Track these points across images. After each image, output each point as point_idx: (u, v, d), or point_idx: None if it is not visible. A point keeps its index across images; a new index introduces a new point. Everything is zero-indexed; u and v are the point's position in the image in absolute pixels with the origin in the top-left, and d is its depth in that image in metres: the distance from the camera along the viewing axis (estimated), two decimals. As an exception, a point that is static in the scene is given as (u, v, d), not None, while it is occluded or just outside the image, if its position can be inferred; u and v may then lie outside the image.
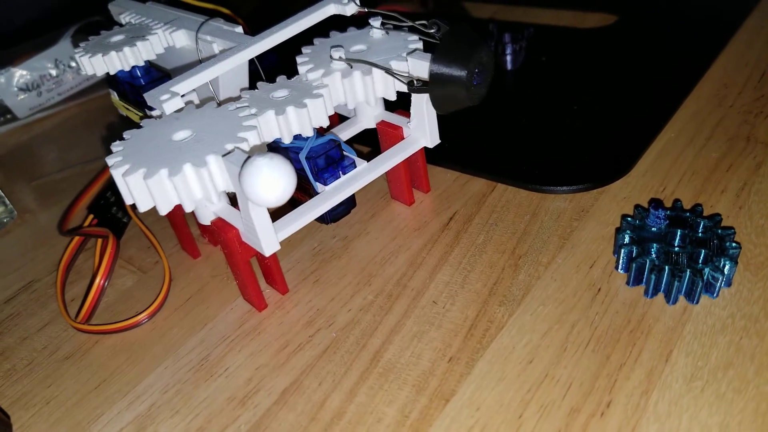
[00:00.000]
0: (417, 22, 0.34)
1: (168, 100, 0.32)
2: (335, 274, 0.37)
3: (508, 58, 0.51)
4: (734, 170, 0.38)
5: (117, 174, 0.30)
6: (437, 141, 0.39)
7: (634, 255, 0.32)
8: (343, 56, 0.36)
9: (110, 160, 0.31)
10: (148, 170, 0.30)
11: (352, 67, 0.36)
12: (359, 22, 0.39)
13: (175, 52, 0.41)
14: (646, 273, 0.31)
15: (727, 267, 0.30)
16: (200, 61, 0.38)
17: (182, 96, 0.33)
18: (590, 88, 0.48)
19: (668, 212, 0.33)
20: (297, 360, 0.32)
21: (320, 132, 0.37)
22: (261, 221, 0.31)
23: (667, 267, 0.30)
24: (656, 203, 0.33)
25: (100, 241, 0.40)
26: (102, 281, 0.37)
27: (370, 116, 0.40)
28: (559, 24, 0.58)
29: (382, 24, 0.37)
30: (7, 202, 0.45)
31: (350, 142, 0.41)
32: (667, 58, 0.50)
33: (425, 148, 0.39)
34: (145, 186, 0.30)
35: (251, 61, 0.38)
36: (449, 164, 0.43)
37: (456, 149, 0.44)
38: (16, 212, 0.46)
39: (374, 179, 0.37)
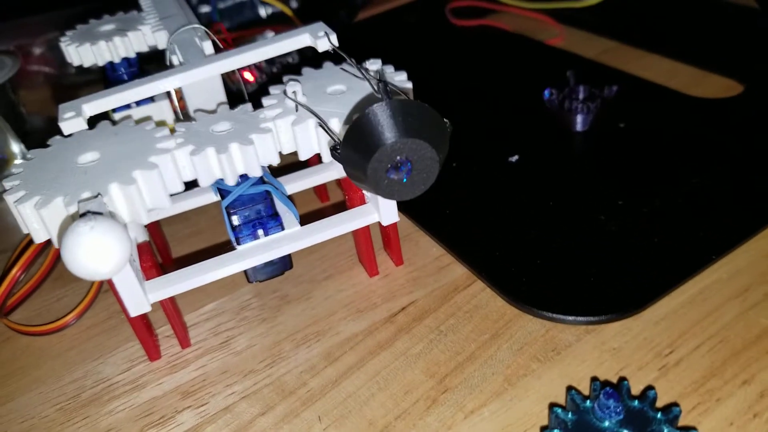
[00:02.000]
0: (372, 78, 0.27)
1: (68, 119, 0.28)
2: (246, 341, 0.32)
3: (578, 117, 0.42)
4: (782, 353, 0.28)
5: (10, 201, 0.27)
6: (393, 219, 0.32)
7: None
8: (297, 94, 0.30)
9: (6, 184, 0.28)
10: (42, 198, 0.27)
11: (297, 110, 0.30)
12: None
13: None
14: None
15: None
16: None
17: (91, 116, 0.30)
18: (653, 178, 0.37)
19: (628, 404, 0.24)
20: (144, 439, 0.28)
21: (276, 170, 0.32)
22: (121, 278, 0.27)
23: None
24: (611, 391, 0.24)
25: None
26: (18, 272, 0.35)
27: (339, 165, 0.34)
28: (669, 83, 0.46)
29: (342, 69, 0.30)
30: None
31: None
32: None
33: (408, 205, 0.33)
34: (38, 216, 0.27)
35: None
36: (438, 237, 0.36)
37: (454, 221, 0.37)
38: None
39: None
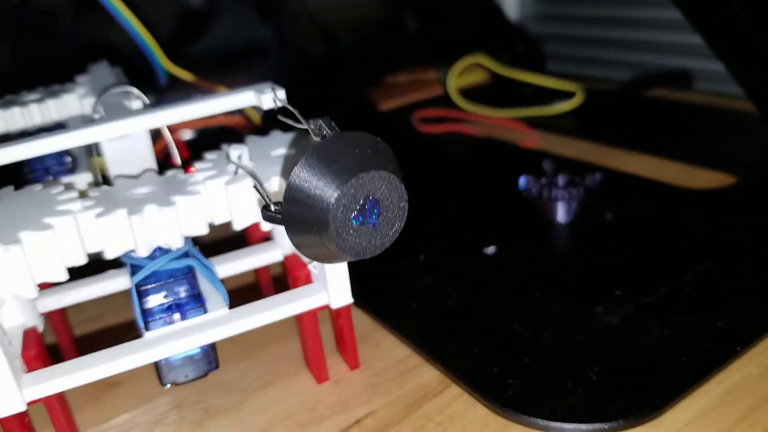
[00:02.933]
0: (311, 125, 0.21)
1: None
2: (153, 465, 0.25)
3: (559, 206, 0.37)
4: None
5: None
6: (347, 300, 0.26)
7: None
8: (243, 158, 0.25)
9: None
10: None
11: (236, 173, 0.24)
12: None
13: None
14: None
15: None
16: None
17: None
18: (653, 267, 0.32)
19: None
20: None
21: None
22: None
23: None
24: None
25: None
26: None
27: (288, 242, 0.28)
28: (656, 177, 0.43)
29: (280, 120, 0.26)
30: None
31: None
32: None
33: (366, 299, 0.27)
34: None
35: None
36: (403, 334, 0.30)
37: (421, 317, 0.30)
38: None
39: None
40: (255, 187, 0.23)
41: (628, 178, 0.43)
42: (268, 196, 0.22)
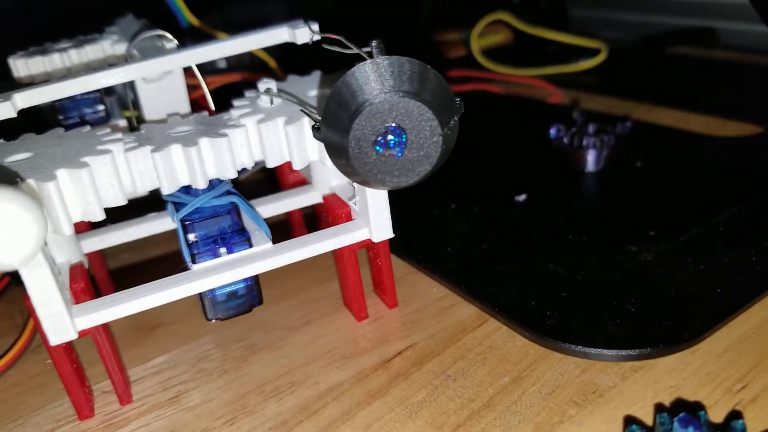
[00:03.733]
0: (363, 49, 0.22)
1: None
2: (201, 395, 0.26)
3: (589, 155, 0.37)
4: None
5: None
6: (388, 234, 0.26)
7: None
8: (272, 90, 0.25)
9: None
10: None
11: (272, 103, 0.25)
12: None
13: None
14: None
15: None
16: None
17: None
18: (685, 210, 0.32)
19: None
20: None
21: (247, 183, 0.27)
22: (39, 290, 0.21)
23: None
24: (689, 417, 0.18)
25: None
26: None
27: (326, 184, 0.29)
28: (684, 127, 0.43)
29: (325, 48, 0.26)
30: None
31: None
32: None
33: (402, 246, 0.27)
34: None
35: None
36: (440, 275, 0.30)
37: (457, 259, 0.31)
38: None
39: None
40: (302, 110, 0.24)
41: (657, 128, 0.43)
42: (316, 116, 0.22)
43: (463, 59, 0.64)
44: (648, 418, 0.21)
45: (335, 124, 0.20)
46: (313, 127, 0.21)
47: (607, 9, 0.74)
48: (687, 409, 0.21)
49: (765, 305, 0.26)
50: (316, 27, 0.26)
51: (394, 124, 0.20)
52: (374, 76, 0.19)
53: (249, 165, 0.25)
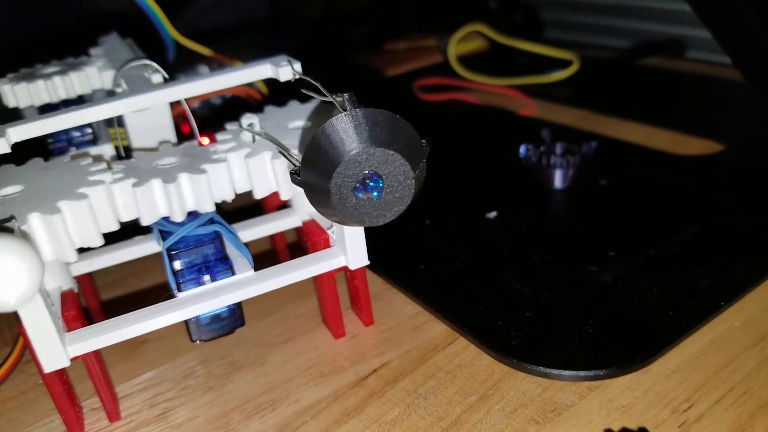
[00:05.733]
0: (336, 96, 0.23)
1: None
2: (187, 412, 0.27)
3: (557, 173, 0.39)
4: (819, 405, 0.24)
5: None
6: (364, 262, 0.28)
7: None
8: (254, 126, 0.27)
9: None
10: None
11: (254, 141, 0.26)
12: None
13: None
14: None
15: None
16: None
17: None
18: (644, 231, 0.34)
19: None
20: None
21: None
22: (32, 315, 0.22)
23: None
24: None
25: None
26: None
27: (305, 209, 0.30)
28: (648, 144, 0.45)
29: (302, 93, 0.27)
30: None
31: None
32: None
33: (377, 262, 0.29)
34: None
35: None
36: (413, 293, 0.32)
37: (430, 277, 0.33)
38: None
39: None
40: (281, 152, 0.25)
41: (621, 146, 0.45)
42: (295, 161, 0.24)
43: (439, 66, 0.66)
44: (601, 437, 0.23)
45: (316, 172, 0.21)
46: (291, 172, 0.23)
47: (581, 14, 0.75)
48: None
49: (713, 327, 0.28)
50: (298, 67, 0.27)
51: (371, 171, 0.21)
52: (351, 127, 0.21)
53: (230, 198, 0.26)
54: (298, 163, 0.23)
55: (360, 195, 0.21)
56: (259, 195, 0.27)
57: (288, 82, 0.28)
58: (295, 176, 0.23)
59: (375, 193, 0.21)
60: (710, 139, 0.45)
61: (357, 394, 0.27)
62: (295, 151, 0.27)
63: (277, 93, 0.34)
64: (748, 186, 0.38)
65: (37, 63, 0.37)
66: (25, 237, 0.21)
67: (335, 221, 0.23)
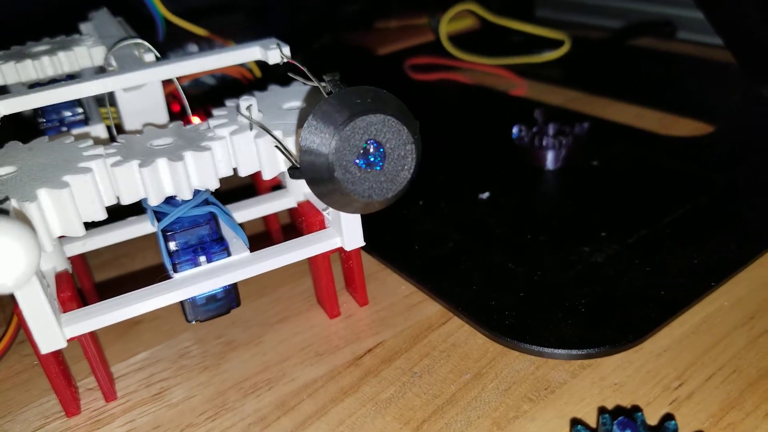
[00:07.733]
0: (322, 81, 0.23)
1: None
2: (184, 392, 0.27)
3: (549, 154, 0.40)
4: (805, 382, 0.24)
5: None
6: (359, 243, 0.28)
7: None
8: (252, 110, 0.27)
9: None
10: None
11: (251, 129, 0.26)
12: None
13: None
14: None
15: None
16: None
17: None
18: (635, 211, 0.35)
19: (647, 436, 0.20)
20: None
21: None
22: (28, 298, 0.22)
23: None
24: (626, 420, 0.20)
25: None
26: None
27: (300, 190, 0.30)
28: (638, 125, 0.45)
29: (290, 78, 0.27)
30: None
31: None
32: (762, 190, 0.35)
33: (372, 242, 0.29)
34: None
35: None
36: (407, 273, 0.32)
37: (423, 257, 0.33)
38: None
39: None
40: (277, 147, 0.25)
41: (613, 127, 0.45)
42: (291, 156, 0.24)
43: (430, 45, 0.65)
44: (593, 414, 0.24)
45: (314, 155, 0.21)
46: (290, 169, 0.23)
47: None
48: (626, 411, 0.23)
49: (704, 306, 0.28)
50: (287, 51, 0.27)
51: (370, 139, 0.21)
52: (342, 103, 0.21)
53: (228, 174, 0.26)
54: (293, 159, 0.23)
55: (364, 166, 0.21)
56: (243, 173, 0.27)
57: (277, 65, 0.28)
58: (295, 171, 0.23)
59: (378, 162, 0.22)
60: (701, 120, 0.45)
61: (352, 373, 0.27)
62: (290, 139, 0.27)
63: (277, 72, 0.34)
64: (737, 166, 0.38)
65: (28, 41, 0.36)
66: (22, 218, 0.21)
67: (341, 208, 0.23)
